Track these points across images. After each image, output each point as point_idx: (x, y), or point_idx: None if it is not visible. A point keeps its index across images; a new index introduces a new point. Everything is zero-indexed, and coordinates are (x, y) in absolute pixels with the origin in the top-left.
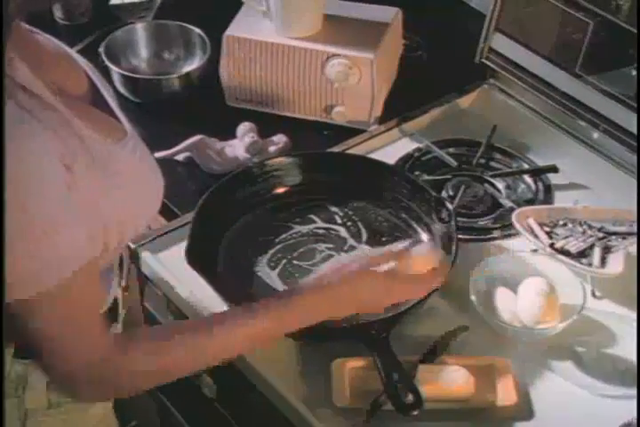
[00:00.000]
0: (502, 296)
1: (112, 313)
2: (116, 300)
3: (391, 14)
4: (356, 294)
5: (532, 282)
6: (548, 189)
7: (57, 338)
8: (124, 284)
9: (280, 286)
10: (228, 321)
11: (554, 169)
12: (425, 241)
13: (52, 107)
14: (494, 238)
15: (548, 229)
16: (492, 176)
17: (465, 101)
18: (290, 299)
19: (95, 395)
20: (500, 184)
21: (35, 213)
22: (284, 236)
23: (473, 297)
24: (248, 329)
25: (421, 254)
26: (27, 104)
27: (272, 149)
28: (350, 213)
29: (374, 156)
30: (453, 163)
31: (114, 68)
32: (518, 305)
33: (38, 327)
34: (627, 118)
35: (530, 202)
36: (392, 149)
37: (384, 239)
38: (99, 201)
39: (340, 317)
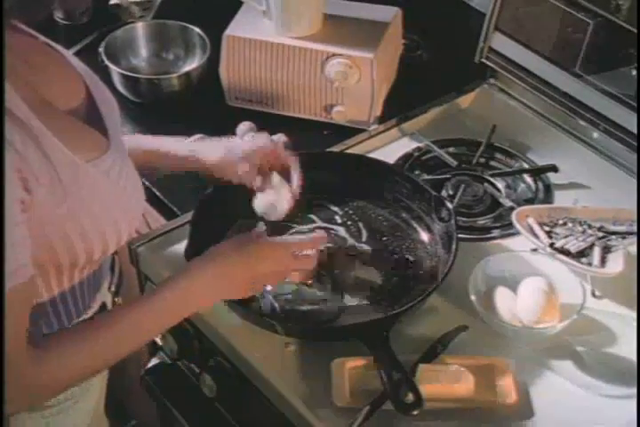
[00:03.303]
0: (502, 296)
1: None
2: (104, 304)
3: (391, 14)
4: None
5: (531, 282)
6: (548, 189)
7: None
8: (113, 289)
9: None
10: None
11: (554, 169)
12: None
13: (22, 123)
14: (494, 238)
15: (547, 228)
16: (491, 176)
17: (465, 101)
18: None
19: (20, 405)
20: (500, 184)
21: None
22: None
23: (473, 297)
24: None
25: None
26: None
27: None
28: (350, 212)
29: (374, 155)
30: (453, 162)
31: (114, 68)
32: (518, 305)
33: None
34: (627, 118)
35: (529, 201)
36: (392, 148)
37: (384, 239)
38: (58, 218)
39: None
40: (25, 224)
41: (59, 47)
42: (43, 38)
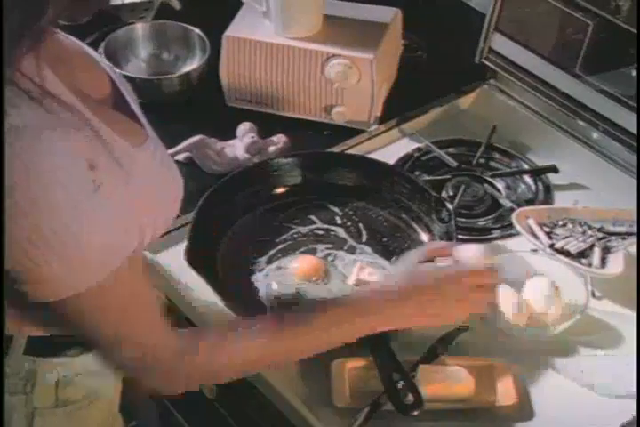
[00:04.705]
0: (504, 296)
1: None
2: None
3: (391, 14)
4: (422, 307)
5: (535, 282)
6: (548, 190)
7: (117, 326)
8: None
9: (277, 287)
10: (298, 322)
11: (554, 169)
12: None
13: (78, 112)
14: (494, 238)
15: (547, 229)
16: (491, 176)
17: (465, 102)
18: (354, 306)
19: (166, 388)
20: (500, 184)
21: (67, 212)
22: (283, 236)
23: None
24: (313, 333)
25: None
26: (55, 110)
27: (272, 149)
28: (350, 213)
29: (374, 156)
30: (453, 163)
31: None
32: (520, 305)
33: (97, 319)
34: (627, 118)
35: (530, 202)
36: (392, 149)
37: (384, 239)
38: (123, 202)
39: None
40: (103, 201)
41: (73, 38)
42: (61, 32)
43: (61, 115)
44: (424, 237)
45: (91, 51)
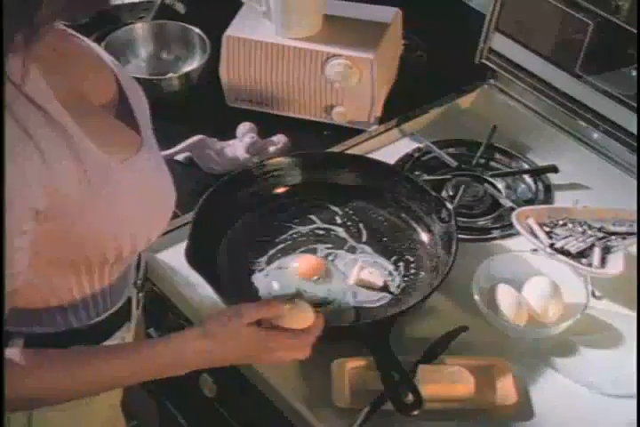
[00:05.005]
0: (505, 296)
1: (124, 312)
2: (129, 299)
3: (391, 14)
4: (210, 354)
5: (536, 282)
6: (548, 189)
7: None
8: (139, 284)
9: (278, 287)
10: (84, 360)
11: (554, 169)
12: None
13: (56, 123)
14: (494, 238)
15: (547, 229)
16: (491, 176)
17: (465, 101)
18: (140, 350)
19: None
20: (500, 184)
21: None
22: (283, 236)
23: (476, 297)
24: (99, 371)
25: (298, 313)
26: (24, 118)
27: (272, 149)
28: (350, 213)
29: (374, 156)
30: (453, 163)
31: None
32: (522, 304)
33: None
34: (627, 118)
35: (530, 202)
36: (392, 149)
37: (384, 239)
38: (88, 219)
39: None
40: (30, 234)
41: (86, 39)
42: (70, 30)
43: (32, 130)
44: (424, 236)
45: (101, 51)
